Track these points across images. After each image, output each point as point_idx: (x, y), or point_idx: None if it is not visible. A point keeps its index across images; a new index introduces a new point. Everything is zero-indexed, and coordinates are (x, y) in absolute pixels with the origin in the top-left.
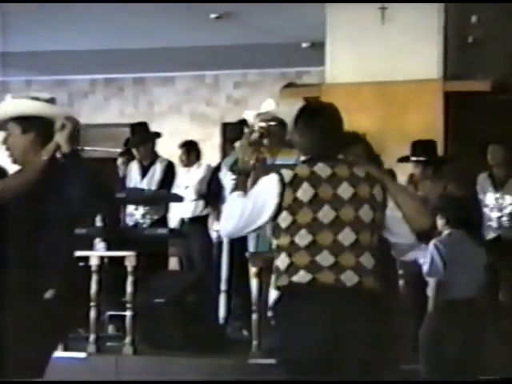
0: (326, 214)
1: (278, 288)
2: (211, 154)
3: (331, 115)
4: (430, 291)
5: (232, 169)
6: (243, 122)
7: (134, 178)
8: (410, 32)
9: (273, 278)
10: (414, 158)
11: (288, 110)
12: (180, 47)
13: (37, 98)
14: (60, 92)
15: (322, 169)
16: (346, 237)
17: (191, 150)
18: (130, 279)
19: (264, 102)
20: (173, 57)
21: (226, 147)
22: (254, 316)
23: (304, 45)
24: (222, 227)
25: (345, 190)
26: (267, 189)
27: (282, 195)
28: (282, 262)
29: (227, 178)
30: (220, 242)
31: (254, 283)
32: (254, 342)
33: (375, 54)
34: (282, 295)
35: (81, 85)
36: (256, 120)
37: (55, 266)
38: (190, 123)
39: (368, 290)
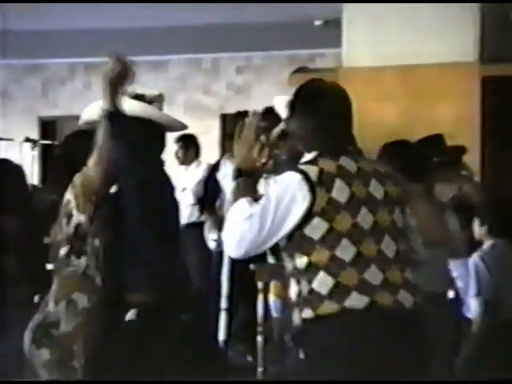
0: (365, 217)
1: (318, 317)
2: (209, 150)
3: (341, 97)
4: (476, 312)
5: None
6: (247, 113)
7: None
8: (441, 8)
9: (296, 305)
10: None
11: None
12: (173, 26)
13: (142, 96)
14: (33, 78)
15: (348, 163)
16: (389, 247)
17: (189, 146)
18: None
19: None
20: (165, 37)
21: (226, 142)
22: (260, 338)
23: (317, 23)
24: (233, 247)
25: (376, 189)
26: (289, 191)
27: (311, 197)
28: (321, 284)
29: (227, 180)
30: (219, 252)
31: (259, 300)
32: (260, 369)
33: (400, 34)
34: (327, 325)
35: (57, 70)
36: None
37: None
38: (184, 114)
39: (421, 313)
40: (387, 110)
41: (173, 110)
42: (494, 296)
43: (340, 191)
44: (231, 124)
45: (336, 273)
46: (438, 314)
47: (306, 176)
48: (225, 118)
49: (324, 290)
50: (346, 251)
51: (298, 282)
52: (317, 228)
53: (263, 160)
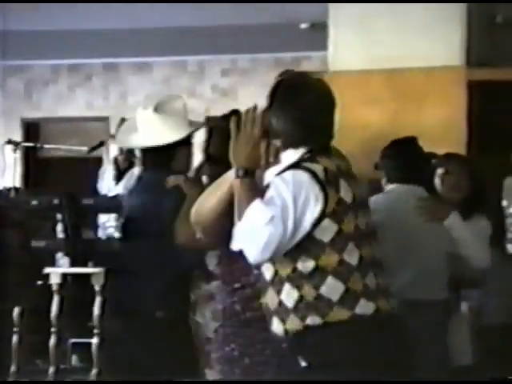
0: (362, 219)
1: (326, 324)
2: (195, 154)
3: (328, 91)
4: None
5: None
6: (234, 114)
7: (107, 182)
8: (428, 10)
9: (293, 312)
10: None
11: None
12: (158, 28)
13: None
14: (15, 80)
15: (338, 163)
16: (376, 250)
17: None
18: (97, 300)
19: None
20: (150, 39)
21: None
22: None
23: (303, 26)
24: (257, 252)
25: (359, 190)
26: (303, 191)
27: (323, 197)
28: (330, 289)
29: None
30: None
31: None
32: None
33: (387, 37)
34: (337, 332)
35: (40, 72)
36: None
37: None
38: None
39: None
40: (374, 113)
41: None
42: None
43: (346, 191)
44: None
45: (345, 278)
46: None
47: (314, 174)
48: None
49: (335, 296)
50: (352, 255)
51: (298, 288)
52: (327, 230)
53: (271, 159)
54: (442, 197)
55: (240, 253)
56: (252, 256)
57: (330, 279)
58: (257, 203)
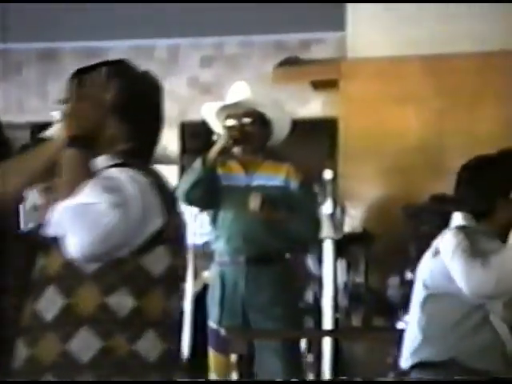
0: None
1: None
2: (165, 170)
3: (160, 90)
4: None
5: (189, 197)
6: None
7: None
8: None
9: None
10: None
11: (270, 99)
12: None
13: None
14: None
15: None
16: None
17: None
18: None
19: (233, 87)
20: (104, 17)
21: (185, 160)
22: None
23: None
24: None
25: None
26: None
27: None
28: None
29: (187, 211)
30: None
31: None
32: None
33: (426, 13)
34: None
35: None
36: (221, 117)
37: None
38: None
39: None
40: (410, 116)
41: None
42: None
43: None
44: (195, 136)
45: None
46: None
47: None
48: (185, 128)
49: None
50: None
51: None
52: None
53: None
54: None
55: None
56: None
57: None
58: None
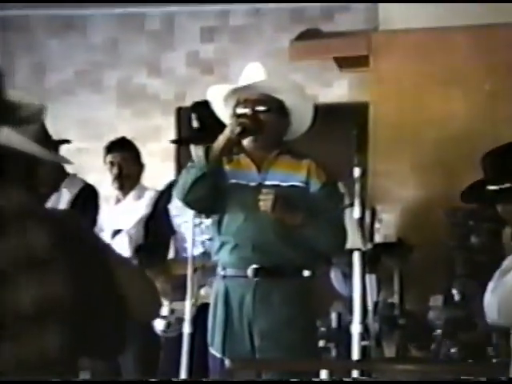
0: None
1: None
2: (160, 164)
3: None
4: None
5: (189, 198)
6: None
7: None
8: None
9: None
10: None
11: (290, 83)
12: None
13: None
14: None
15: None
16: None
17: (126, 160)
18: None
19: (246, 68)
20: None
21: (182, 153)
22: None
23: None
24: None
25: None
26: None
27: None
28: None
29: (185, 215)
30: (176, 337)
31: None
32: None
33: None
34: None
35: None
36: (230, 102)
37: None
38: (117, 108)
39: None
40: (456, 97)
41: (98, 100)
42: None
43: None
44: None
45: None
46: None
47: None
48: (181, 114)
49: None
50: None
51: None
52: None
53: None
54: None
55: None
56: None
57: None
58: None
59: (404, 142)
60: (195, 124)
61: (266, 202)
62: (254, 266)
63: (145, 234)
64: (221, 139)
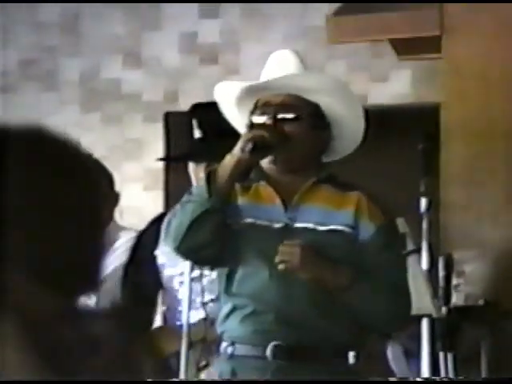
0: None
1: None
2: (141, 193)
3: None
4: None
5: (186, 245)
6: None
7: None
8: None
9: None
10: None
11: (331, 80)
12: None
13: None
14: None
15: None
16: None
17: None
18: None
19: (271, 58)
20: None
21: (172, 177)
22: None
23: None
24: None
25: None
26: None
27: None
28: None
29: (179, 264)
30: None
31: None
32: None
33: None
34: None
35: None
36: (245, 106)
37: None
38: (80, 112)
39: None
40: None
41: (56, 100)
42: None
43: None
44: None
45: None
46: None
47: None
48: (168, 119)
49: None
50: None
51: None
52: None
53: None
54: None
55: None
56: None
57: None
58: None
59: (493, 159)
60: (197, 134)
61: (288, 256)
62: (276, 342)
63: (121, 284)
64: (228, 160)
